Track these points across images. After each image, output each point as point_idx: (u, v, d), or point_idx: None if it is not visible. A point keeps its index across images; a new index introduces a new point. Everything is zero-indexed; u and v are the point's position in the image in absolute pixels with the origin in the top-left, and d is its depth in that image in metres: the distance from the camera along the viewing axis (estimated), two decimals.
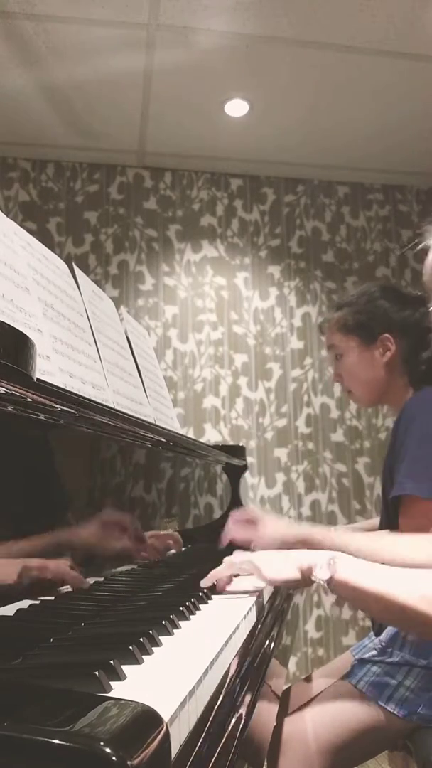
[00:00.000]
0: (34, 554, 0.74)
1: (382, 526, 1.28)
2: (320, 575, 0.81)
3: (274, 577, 0.84)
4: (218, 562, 0.94)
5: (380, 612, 0.82)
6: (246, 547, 1.12)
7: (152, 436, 1.11)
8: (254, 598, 0.86)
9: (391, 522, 1.23)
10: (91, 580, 0.89)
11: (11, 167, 3.13)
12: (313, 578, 0.82)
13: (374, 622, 1.28)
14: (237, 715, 0.52)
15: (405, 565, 1.01)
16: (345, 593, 0.82)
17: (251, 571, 0.87)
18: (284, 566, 0.85)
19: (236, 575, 0.95)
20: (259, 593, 0.90)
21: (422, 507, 1.14)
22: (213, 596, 0.86)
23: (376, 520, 1.47)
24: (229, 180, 3.31)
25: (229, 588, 0.92)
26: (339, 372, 1.48)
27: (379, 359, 1.40)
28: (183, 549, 1.37)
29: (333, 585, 0.80)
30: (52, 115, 2.79)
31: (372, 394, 1.46)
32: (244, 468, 1.91)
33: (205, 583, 0.89)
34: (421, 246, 0.96)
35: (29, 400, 0.67)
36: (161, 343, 3.10)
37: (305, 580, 0.84)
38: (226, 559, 0.93)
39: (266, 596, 0.96)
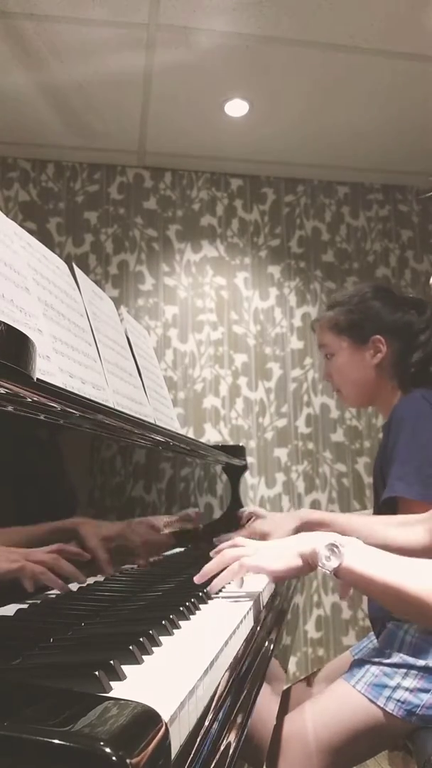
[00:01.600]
0: (35, 554, 0.74)
1: None
2: (327, 564, 0.79)
3: (276, 568, 0.82)
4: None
5: (388, 602, 0.80)
6: None
7: (152, 436, 1.11)
8: (254, 598, 0.86)
9: None
10: (91, 580, 0.89)
11: (11, 167, 3.13)
12: (319, 566, 0.80)
13: (374, 622, 1.28)
14: (237, 714, 0.52)
15: (396, 546, 1.03)
16: (352, 580, 0.80)
17: (252, 571, 0.84)
18: (284, 555, 0.82)
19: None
20: (259, 593, 0.90)
21: (414, 508, 1.15)
22: (213, 596, 0.86)
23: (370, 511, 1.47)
24: (229, 180, 3.31)
25: (228, 589, 0.91)
26: (329, 371, 1.49)
27: (369, 361, 1.40)
28: (183, 549, 1.37)
29: (340, 572, 0.78)
30: (52, 115, 2.79)
31: (361, 395, 1.46)
32: (244, 468, 1.91)
33: (198, 579, 0.86)
34: None
35: (29, 400, 0.67)
36: (161, 343, 3.10)
37: (309, 566, 0.82)
38: (224, 553, 0.88)
39: (266, 596, 0.96)
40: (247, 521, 1.48)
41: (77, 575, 0.83)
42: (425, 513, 1.10)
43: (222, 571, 0.85)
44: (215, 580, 0.85)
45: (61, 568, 0.78)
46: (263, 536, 1.18)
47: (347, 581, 0.81)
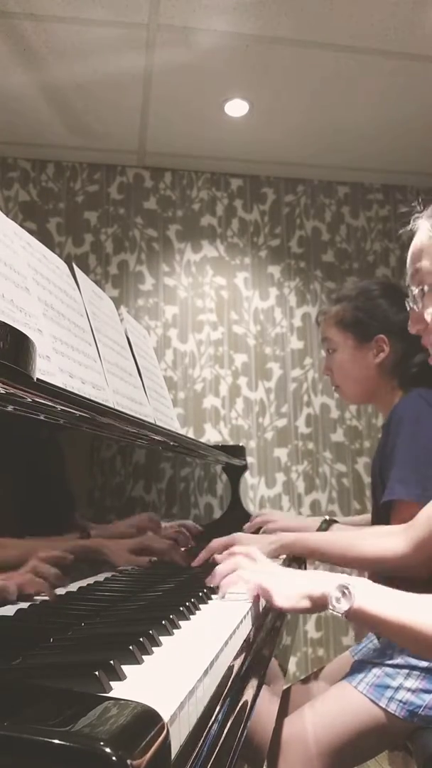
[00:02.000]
0: (35, 554, 0.74)
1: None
2: (337, 607, 0.78)
3: (282, 606, 0.80)
4: (217, 562, 0.94)
5: (404, 641, 0.80)
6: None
7: (152, 436, 1.11)
8: (254, 599, 0.86)
9: (382, 524, 1.23)
10: (90, 580, 0.89)
11: (11, 167, 3.13)
12: (330, 609, 0.78)
13: None
14: (237, 715, 0.52)
15: (373, 558, 1.07)
16: (364, 621, 0.79)
17: (261, 593, 0.83)
18: (293, 594, 0.81)
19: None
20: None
21: (413, 510, 1.15)
22: (213, 596, 0.86)
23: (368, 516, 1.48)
24: (229, 180, 3.31)
25: (229, 589, 0.91)
26: (329, 366, 1.48)
27: (371, 359, 1.40)
28: (183, 549, 1.37)
29: (350, 614, 0.77)
30: (52, 115, 2.79)
31: (360, 393, 1.46)
32: (244, 468, 1.91)
33: (209, 581, 0.87)
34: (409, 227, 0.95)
35: (29, 400, 0.67)
36: (161, 343, 3.10)
37: (317, 608, 0.80)
38: (233, 559, 0.89)
39: None
40: (259, 530, 1.49)
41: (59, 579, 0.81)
42: (401, 525, 1.10)
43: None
44: (224, 583, 0.85)
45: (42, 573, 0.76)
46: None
47: (359, 623, 0.80)
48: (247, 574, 0.84)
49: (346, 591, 0.77)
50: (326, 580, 0.81)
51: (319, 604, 0.80)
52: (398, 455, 1.21)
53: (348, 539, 1.17)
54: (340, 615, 0.78)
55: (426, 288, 0.92)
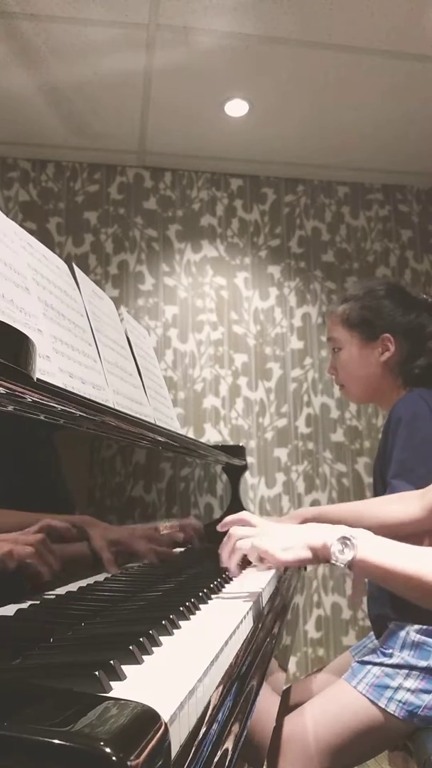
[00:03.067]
0: (35, 554, 0.74)
1: None
2: (341, 557, 0.78)
3: (284, 558, 0.80)
4: (218, 562, 0.94)
5: (408, 591, 0.79)
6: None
7: (152, 436, 1.11)
8: (254, 598, 0.86)
9: None
10: (91, 580, 0.89)
11: (11, 167, 3.13)
12: (333, 560, 0.78)
13: (375, 624, 1.28)
14: (237, 715, 0.52)
15: (390, 522, 1.09)
16: (367, 572, 0.79)
17: (260, 554, 0.83)
18: (293, 545, 0.80)
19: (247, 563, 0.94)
20: (259, 593, 0.90)
21: None
22: (213, 596, 0.86)
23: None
24: (229, 180, 3.31)
25: (228, 589, 0.92)
26: (335, 365, 1.48)
27: (376, 358, 1.40)
28: (183, 549, 1.37)
29: (354, 565, 0.77)
30: (52, 115, 2.79)
31: (364, 392, 1.46)
32: (244, 468, 1.91)
33: (224, 560, 0.88)
34: None
35: (29, 400, 0.67)
36: (161, 343, 3.10)
37: (318, 559, 0.80)
38: (230, 536, 0.89)
39: (266, 596, 0.96)
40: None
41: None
42: (422, 489, 1.12)
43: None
44: (230, 566, 0.86)
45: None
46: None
47: (362, 574, 0.80)
48: (243, 542, 0.84)
49: (348, 542, 0.78)
50: (327, 530, 0.81)
51: (321, 555, 0.80)
52: (396, 454, 1.22)
53: (365, 506, 1.20)
54: (342, 566, 0.78)
55: None
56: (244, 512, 1.21)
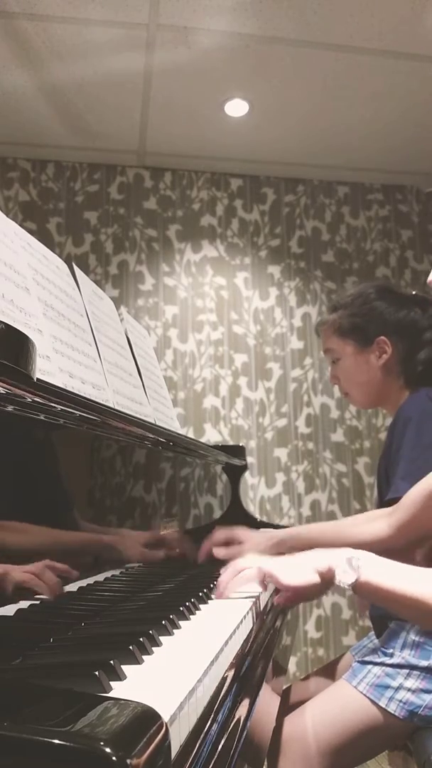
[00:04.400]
0: (34, 554, 0.74)
1: None
2: (344, 579, 0.79)
3: (292, 582, 0.81)
4: (218, 561, 0.94)
5: (408, 613, 0.82)
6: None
7: (152, 436, 1.11)
8: (254, 598, 0.86)
9: None
10: (90, 580, 0.89)
11: (11, 167, 3.13)
12: (337, 582, 0.80)
13: (375, 624, 1.28)
14: (237, 715, 0.52)
15: (360, 542, 1.08)
16: (370, 595, 0.80)
17: (267, 576, 0.84)
18: (301, 570, 0.81)
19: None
20: (259, 594, 0.90)
21: None
22: (212, 596, 0.86)
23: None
24: (229, 180, 3.31)
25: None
26: (336, 375, 1.48)
27: (375, 362, 1.39)
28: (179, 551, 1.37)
29: (357, 587, 0.79)
30: (52, 115, 2.79)
31: (369, 397, 1.45)
32: (244, 468, 1.91)
33: (217, 595, 0.87)
34: None
35: (29, 400, 0.67)
36: (161, 343, 3.10)
37: (325, 583, 0.81)
38: (233, 564, 0.90)
39: (266, 596, 0.96)
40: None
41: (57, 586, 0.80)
42: (388, 507, 1.13)
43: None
44: (229, 585, 0.86)
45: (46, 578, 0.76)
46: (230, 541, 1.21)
47: (365, 595, 0.82)
48: (251, 570, 0.85)
49: (352, 563, 0.79)
50: (332, 554, 0.82)
51: (327, 578, 0.81)
52: (403, 453, 1.22)
53: (338, 527, 1.22)
54: (347, 587, 0.79)
55: None
56: (237, 531, 1.23)
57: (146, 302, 3.14)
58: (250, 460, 2.93)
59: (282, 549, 1.20)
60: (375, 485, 1.43)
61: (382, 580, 0.78)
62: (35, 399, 0.68)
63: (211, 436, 3.04)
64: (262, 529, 1.43)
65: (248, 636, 0.73)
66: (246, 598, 0.85)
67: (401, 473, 1.21)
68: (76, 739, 0.31)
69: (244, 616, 0.74)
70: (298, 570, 0.82)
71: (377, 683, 1.08)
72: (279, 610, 0.99)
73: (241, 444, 2.58)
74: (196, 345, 3.13)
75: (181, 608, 0.70)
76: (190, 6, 2.20)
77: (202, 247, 3.23)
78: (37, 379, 0.63)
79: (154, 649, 0.55)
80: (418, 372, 1.37)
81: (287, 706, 1.26)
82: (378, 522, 1.14)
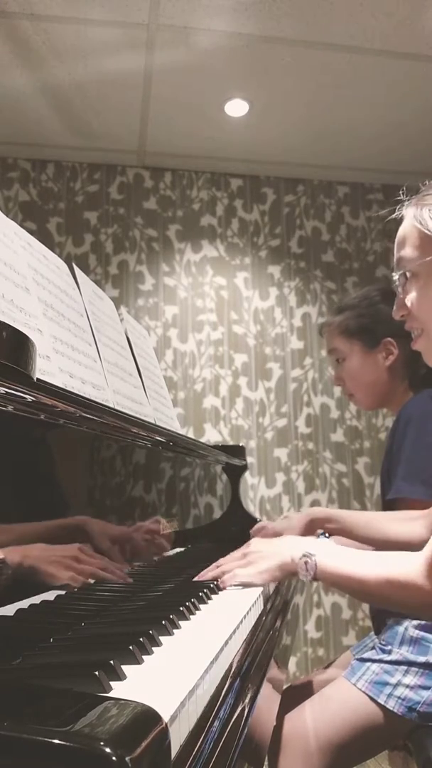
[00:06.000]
0: (34, 554, 0.74)
1: None
2: (304, 573, 0.89)
3: (258, 582, 0.92)
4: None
5: (357, 594, 0.91)
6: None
7: (152, 436, 1.11)
8: (254, 598, 0.86)
9: None
10: (90, 580, 0.89)
11: (11, 167, 3.13)
12: (300, 576, 0.90)
13: (374, 621, 1.28)
14: (237, 714, 0.52)
15: (396, 540, 1.13)
16: (329, 582, 0.90)
17: (240, 585, 0.94)
18: (267, 568, 0.93)
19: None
20: (259, 593, 0.90)
21: (417, 508, 1.16)
22: (213, 596, 0.86)
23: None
24: (229, 180, 3.31)
25: (228, 589, 0.92)
26: (340, 376, 1.48)
27: (381, 363, 1.40)
28: (183, 549, 1.37)
29: (318, 577, 0.88)
30: (52, 115, 2.79)
31: (374, 398, 1.46)
32: (244, 468, 1.91)
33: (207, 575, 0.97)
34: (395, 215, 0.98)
35: (29, 400, 0.67)
36: (161, 343, 3.10)
37: (290, 574, 0.93)
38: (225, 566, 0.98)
39: (266, 596, 0.97)
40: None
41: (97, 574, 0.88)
42: (428, 509, 1.12)
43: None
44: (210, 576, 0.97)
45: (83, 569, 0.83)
46: (276, 535, 1.22)
47: (326, 583, 0.91)
48: (227, 577, 0.95)
49: (309, 557, 0.89)
50: (296, 547, 0.93)
51: (290, 570, 0.92)
52: (405, 453, 1.22)
53: (374, 518, 1.22)
54: (308, 580, 0.90)
55: (408, 274, 0.94)
56: (264, 522, 1.26)
57: (146, 302, 3.14)
58: (250, 460, 2.93)
59: (314, 528, 1.22)
60: (380, 484, 1.43)
61: (334, 567, 0.87)
62: (35, 399, 0.68)
63: (211, 436, 3.04)
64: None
65: (248, 636, 0.73)
66: (245, 599, 0.85)
67: (402, 473, 1.21)
68: (76, 739, 0.31)
69: (244, 616, 0.74)
70: (265, 570, 0.93)
71: (376, 680, 1.08)
72: (279, 610, 0.99)
73: (241, 444, 2.58)
74: (196, 345, 3.13)
75: (181, 608, 0.70)
76: (190, 6, 2.20)
77: (202, 247, 3.23)
78: (37, 379, 0.63)
79: (154, 649, 0.55)
80: (422, 374, 1.37)
81: (287, 705, 1.26)
82: (415, 523, 1.13)
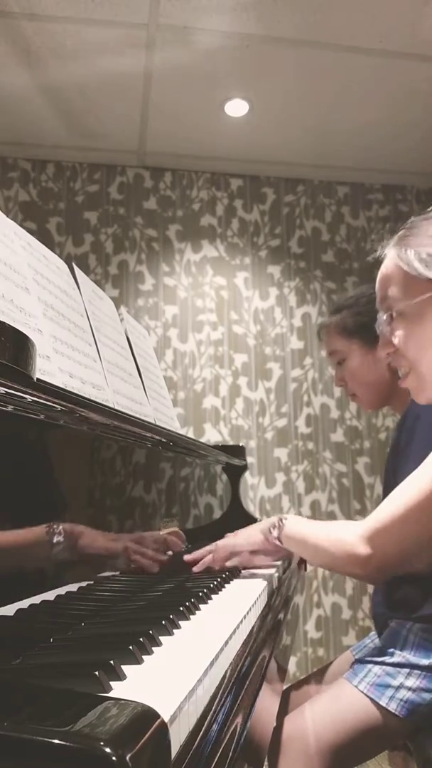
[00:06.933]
0: (34, 554, 0.74)
1: None
2: (273, 533, 1.05)
3: (239, 543, 1.09)
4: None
5: (309, 555, 1.03)
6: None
7: (152, 436, 1.11)
8: (254, 598, 0.86)
9: None
10: (91, 580, 0.89)
11: (11, 167, 3.13)
12: (272, 538, 1.05)
13: (376, 621, 1.28)
14: (237, 714, 0.52)
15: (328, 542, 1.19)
16: (291, 545, 1.03)
17: (225, 548, 1.10)
18: (249, 536, 1.09)
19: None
20: (259, 594, 0.90)
21: None
22: (213, 596, 0.86)
23: None
24: (229, 180, 3.31)
25: (229, 589, 0.92)
26: (342, 377, 1.47)
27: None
28: (183, 549, 1.37)
29: (282, 539, 1.03)
30: (52, 115, 2.79)
31: (377, 397, 1.45)
32: (244, 468, 1.91)
33: (194, 566, 1.11)
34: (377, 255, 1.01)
35: (29, 400, 0.67)
36: (161, 343, 3.10)
37: (267, 540, 1.06)
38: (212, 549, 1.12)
39: (266, 596, 0.97)
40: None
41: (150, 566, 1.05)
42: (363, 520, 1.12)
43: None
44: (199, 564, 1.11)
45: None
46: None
47: (290, 546, 1.05)
48: (209, 557, 1.09)
49: (281, 522, 1.05)
50: (272, 518, 1.10)
51: (265, 531, 1.07)
52: (413, 452, 1.21)
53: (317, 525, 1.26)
54: (276, 540, 1.05)
55: (394, 314, 0.96)
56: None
57: (146, 302, 3.14)
58: (250, 460, 2.93)
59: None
60: (382, 483, 1.42)
61: (295, 531, 1.02)
62: (35, 399, 0.68)
63: (211, 436, 3.04)
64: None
65: (248, 636, 0.73)
66: (245, 599, 0.85)
67: (410, 472, 1.20)
68: (75, 739, 0.31)
69: (244, 616, 0.74)
70: (245, 537, 1.10)
71: (378, 682, 1.08)
72: (279, 610, 0.99)
73: (241, 444, 2.58)
74: (196, 345, 3.13)
75: (181, 608, 0.70)
76: (190, 6, 2.20)
77: (202, 247, 3.23)
78: (37, 379, 0.63)
79: (154, 649, 0.55)
80: None
81: (287, 705, 1.26)
82: (348, 527, 1.06)
